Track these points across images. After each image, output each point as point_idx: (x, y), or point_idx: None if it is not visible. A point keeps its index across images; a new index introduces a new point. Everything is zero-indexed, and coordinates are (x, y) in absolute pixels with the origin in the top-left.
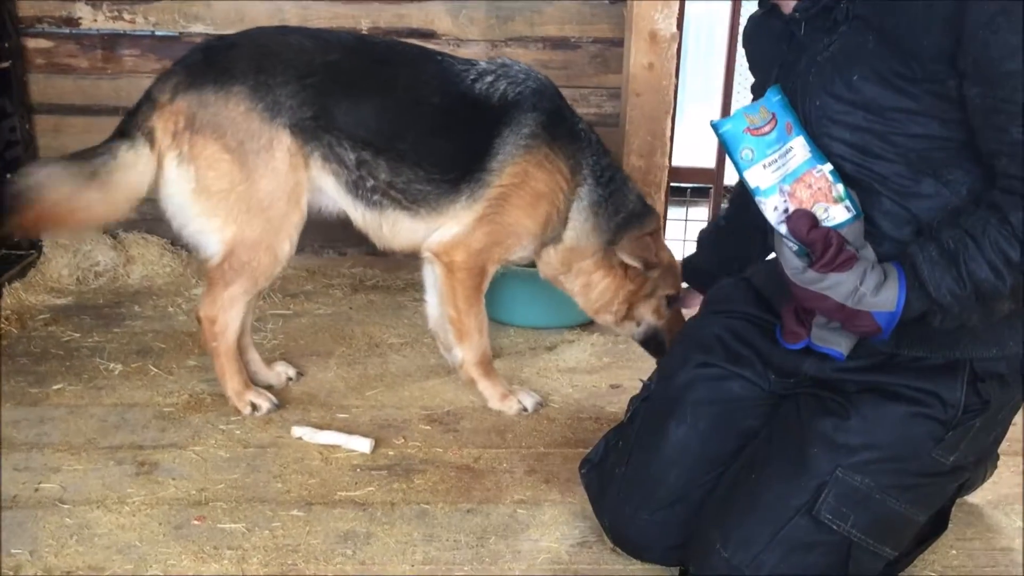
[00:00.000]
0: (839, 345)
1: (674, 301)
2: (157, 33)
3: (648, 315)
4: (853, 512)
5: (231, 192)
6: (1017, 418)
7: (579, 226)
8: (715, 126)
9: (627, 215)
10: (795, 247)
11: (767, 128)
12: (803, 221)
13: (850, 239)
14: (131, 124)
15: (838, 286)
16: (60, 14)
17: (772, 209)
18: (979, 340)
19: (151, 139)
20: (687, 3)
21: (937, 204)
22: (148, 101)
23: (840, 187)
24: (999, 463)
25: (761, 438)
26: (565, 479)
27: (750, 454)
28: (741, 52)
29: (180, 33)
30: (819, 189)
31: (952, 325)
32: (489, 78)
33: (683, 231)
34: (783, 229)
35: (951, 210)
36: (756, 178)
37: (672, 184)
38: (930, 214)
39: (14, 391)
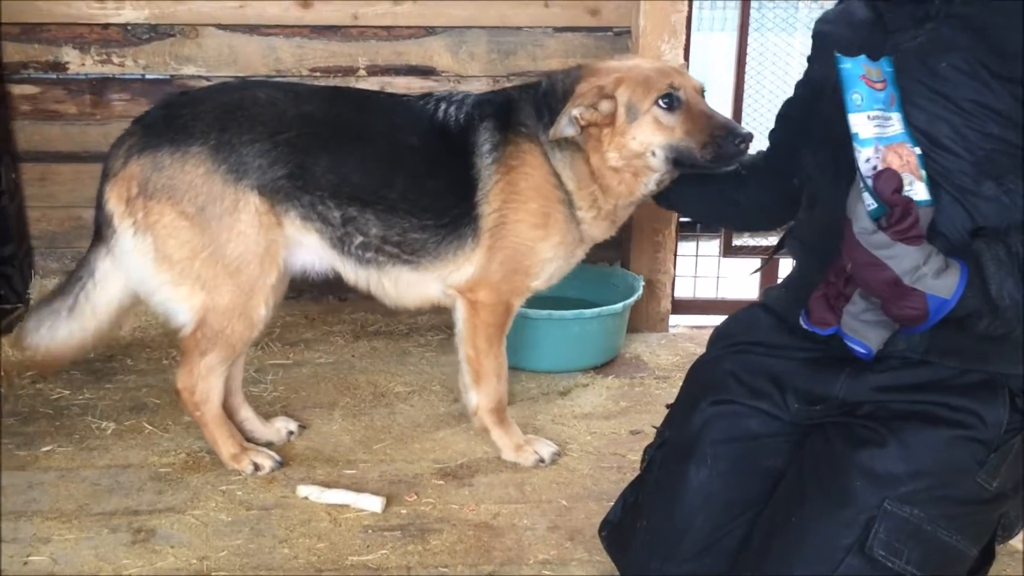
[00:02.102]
0: (868, 340)
1: (672, 99)
2: (147, 76)
3: (652, 136)
4: (906, 547)
5: (195, 259)
6: None
7: (559, 162)
8: (838, 59)
9: (554, 108)
10: (872, 206)
11: (879, 85)
12: (891, 181)
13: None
14: (101, 219)
15: (902, 258)
16: (46, 59)
17: (864, 160)
18: (1007, 357)
19: (112, 224)
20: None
21: (994, 210)
22: (103, 175)
23: (924, 172)
24: None
25: (791, 476)
26: (591, 535)
27: (783, 494)
28: (748, 83)
29: (172, 76)
30: (908, 162)
31: (998, 332)
32: (443, 105)
33: (694, 267)
34: (869, 182)
35: (1010, 220)
36: (858, 125)
37: (682, 219)
38: (985, 218)
39: None
